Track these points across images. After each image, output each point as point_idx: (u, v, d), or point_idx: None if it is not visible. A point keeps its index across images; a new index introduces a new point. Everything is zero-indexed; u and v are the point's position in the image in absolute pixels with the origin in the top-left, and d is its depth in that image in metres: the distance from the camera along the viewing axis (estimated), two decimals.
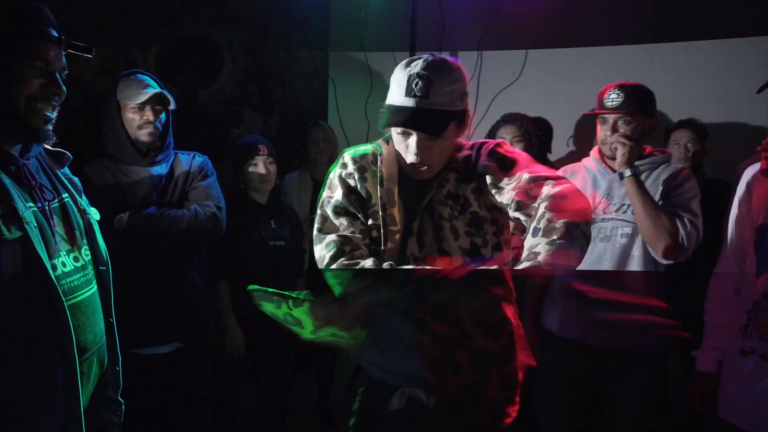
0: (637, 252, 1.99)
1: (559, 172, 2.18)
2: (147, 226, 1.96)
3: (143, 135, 2.01)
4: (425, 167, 1.42)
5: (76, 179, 1.46)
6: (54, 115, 1.28)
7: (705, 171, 2.85)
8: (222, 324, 2.35)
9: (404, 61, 1.42)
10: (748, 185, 1.72)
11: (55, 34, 1.26)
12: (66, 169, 1.43)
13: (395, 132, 1.43)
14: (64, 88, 1.28)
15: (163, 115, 2.06)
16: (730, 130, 2.99)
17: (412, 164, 1.42)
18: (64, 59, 1.28)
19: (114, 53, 3.14)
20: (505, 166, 1.41)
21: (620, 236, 1.99)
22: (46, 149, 1.38)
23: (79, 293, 1.30)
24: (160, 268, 2.00)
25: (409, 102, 1.37)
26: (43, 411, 1.20)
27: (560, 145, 3.12)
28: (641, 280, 2.01)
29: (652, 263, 2.00)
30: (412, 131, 1.39)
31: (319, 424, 3.16)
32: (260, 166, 2.43)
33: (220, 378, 2.43)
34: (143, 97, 1.98)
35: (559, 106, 3.15)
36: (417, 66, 1.37)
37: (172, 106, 2.06)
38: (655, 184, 2.02)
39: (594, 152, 2.16)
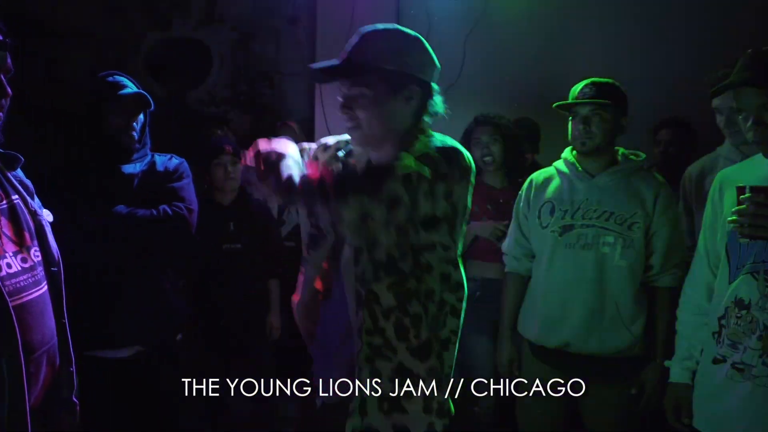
0: (623, 263, 1.96)
1: (531, 179, 2.17)
2: (114, 224, 1.94)
3: (122, 136, 2.00)
4: None
5: (28, 181, 1.46)
6: (2, 114, 1.29)
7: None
8: None
9: None
10: (720, 188, 1.66)
11: None
12: (18, 171, 1.44)
13: None
14: (9, 89, 1.28)
15: (141, 116, 2.06)
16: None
17: None
18: (9, 61, 1.29)
19: (103, 55, 3.17)
20: None
21: (602, 245, 1.96)
22: None
23: (25, 294, 1.30)
24: (124, 270, 1.97)
25: None
26: None
27: (551, 145, 3.06)
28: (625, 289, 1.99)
29: (636, 274, 1.98)
30: None
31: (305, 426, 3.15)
32: (224, 165, 2.60)
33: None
34: (122, 99, 1.97)
35: (546, 104, 3.09)
36: None
37: (151, 107, 2.05)
38: (636, 196, 1.98)
39: (566, 154, 2.12)
